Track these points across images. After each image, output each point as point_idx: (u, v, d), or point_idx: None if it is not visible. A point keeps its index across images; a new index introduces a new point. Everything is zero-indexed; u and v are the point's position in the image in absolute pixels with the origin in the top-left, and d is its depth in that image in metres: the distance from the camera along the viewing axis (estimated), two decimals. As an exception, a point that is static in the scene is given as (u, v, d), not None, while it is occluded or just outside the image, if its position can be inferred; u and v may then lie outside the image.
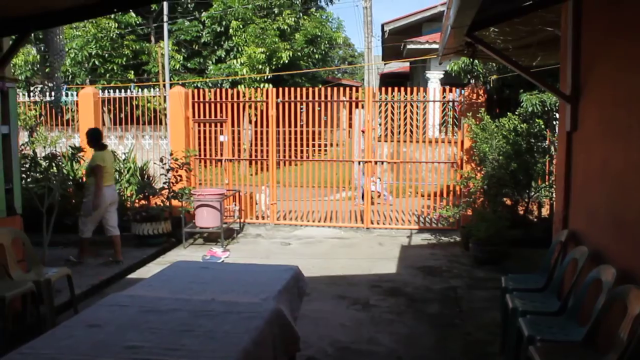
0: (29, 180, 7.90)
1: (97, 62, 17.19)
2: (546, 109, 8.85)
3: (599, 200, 4.32)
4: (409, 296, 6.40)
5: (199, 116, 10.66)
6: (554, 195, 8.14)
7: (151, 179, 10.10)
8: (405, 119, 10.36)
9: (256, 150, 11.13)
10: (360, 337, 5.20)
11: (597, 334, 3.55)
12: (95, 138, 7.55)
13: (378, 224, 10.33)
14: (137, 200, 9.55)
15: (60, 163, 7.69)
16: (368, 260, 8.06)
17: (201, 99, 10.65)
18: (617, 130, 3.99)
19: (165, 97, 12.14)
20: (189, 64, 18.53)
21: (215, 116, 10.66)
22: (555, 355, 3.38)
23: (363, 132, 10.63)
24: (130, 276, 7.28)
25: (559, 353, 3.44)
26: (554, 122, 9.20)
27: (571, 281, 4.33)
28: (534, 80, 5.41)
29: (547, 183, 8.78)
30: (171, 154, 9.48)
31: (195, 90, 10.89)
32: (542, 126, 8.64)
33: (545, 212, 9.43)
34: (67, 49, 16.89)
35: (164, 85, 13.14)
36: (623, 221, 3.77)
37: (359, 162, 10.62)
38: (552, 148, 8.73)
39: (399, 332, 5.32)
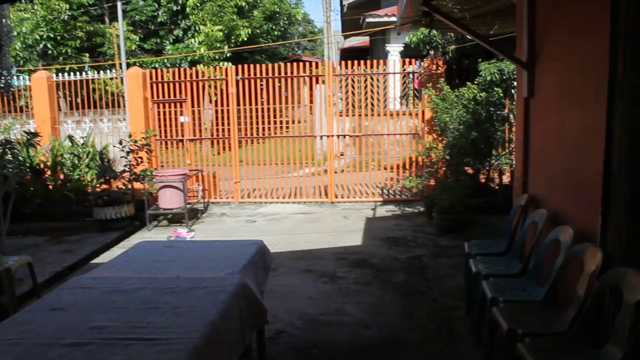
0: (-17, 168, 7.68)
1: (49, 45, 16.64)
2: (504, 77, 8.98)
3: (557, 164, 4.41)
4: (375, 267, 6.47)
5: (158, 97, 10.48)
6: (514, 162, 8.29)
7: (111, 162, 9.91)
8: (366, 92, 10.36)
9: (217, 130, 11.00)
10: (328, 309, 5.24)
11: (557, 292, 3.65)
12: None
13: (342, 197, 10.38)
14: (98, 185, 9.39)
15: (15, 150, 7.47)
16: (334, 233, 8.11)
17: (159, 79, 10.46)
18: (572, 94, 4.06)
19: (122, 78, 11.88)
20: (145, 45, 18.14)
21: (175, 96, 10.50)
22: (517, 314, 3.47)
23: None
24: (94, 261, 7.18)
25: (521, 312, 3.53)
26: (512, 90, 9.33)
27: (531, 243, 4.44)
28: (491, 48, 5.47)
29: (507, 150, 8.92)
30: (130, 136, 9.32)
31: (153, 71, 10.68)
32: (501, 94, 8.76)
33: (506, 179, 9.61)
34: (15, 33, 16.33)
35: (121, 67, 12.85)
36: (580, 183, 3.86)
37: (321, 137, 10.62)
38: (511, 116, 8.87)
39: (367, 302, 5.38)
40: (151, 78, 10.46)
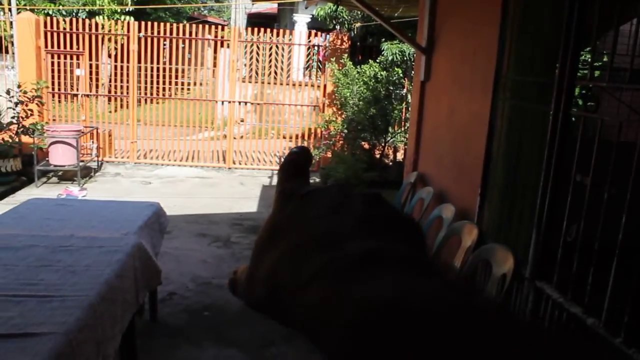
0: None
1: None
2: (405, 58, 9.30)
3: (445, 146, 4.73)
4: (269, 234, 6.61)
5: (52, 47, 9.91)
6: (408, 140, 8.70)
7: (-4, 112, 9.34)
8: (270, 60, 10.38)
9: (116, 87, 10.61)
10: (221, 273, 5.34)
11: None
12: None
13: (240, 164, 10.42)
14: (-20, 136, 8.83)
15: None
16: (229, 199, 8.17)
17: (54, 29, 9.88)
18: (463, 82, 4.36)
19: (12, 22, 11.11)
20: (39, -11, 16.95)
21: (71, 48, 9.99)
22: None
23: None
24: (-26, 215, 6.81)
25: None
26: (412, 72, 9.71)
27: (418, 218, 4.75)
28: (393, 30, 5.68)
29: (402, 129, 9.31)
30: (19, 86, 8.80)
31: (48, 18, 10.07)
32: (401, 75, 9.09)
33: (400, 156, 10.04)
34: None
35: (10, 10, 11.98)
36: (463, 165, 4.19)
37: (222, 102, 10.55)
38: (409, 96, 9.25)
39: (259, 268, 5.52)
40: (45, 26, 9.86)
